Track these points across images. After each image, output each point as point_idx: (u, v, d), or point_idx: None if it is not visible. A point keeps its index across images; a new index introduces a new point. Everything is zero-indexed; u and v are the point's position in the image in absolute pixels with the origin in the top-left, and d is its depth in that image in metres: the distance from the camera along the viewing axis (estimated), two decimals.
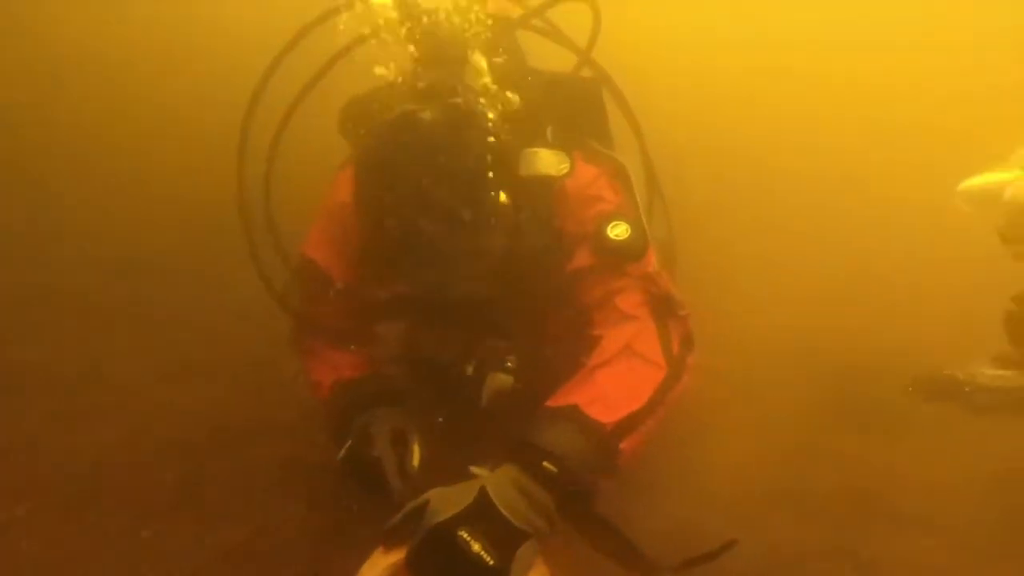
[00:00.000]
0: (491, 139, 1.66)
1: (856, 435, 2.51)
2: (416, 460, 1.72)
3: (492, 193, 1.64)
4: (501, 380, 1.84)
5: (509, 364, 1.85)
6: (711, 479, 2.22)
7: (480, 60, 1.77)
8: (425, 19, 1.76)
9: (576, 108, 1.94)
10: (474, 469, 1.47)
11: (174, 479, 2.03)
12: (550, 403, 1.55)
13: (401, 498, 1.53)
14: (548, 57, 2.02)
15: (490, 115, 1.72)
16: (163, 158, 3.86)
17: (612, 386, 1.54)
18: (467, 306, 1.76)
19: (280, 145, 1.87)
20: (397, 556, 1.35)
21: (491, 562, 1.24)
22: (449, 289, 1.67)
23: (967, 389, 2.26)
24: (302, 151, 1.96)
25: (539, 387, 1.79)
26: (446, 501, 1.34)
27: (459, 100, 1.64)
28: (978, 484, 2.26)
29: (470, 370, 1.85)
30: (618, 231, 1.70)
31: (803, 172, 3.87)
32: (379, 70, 1.80)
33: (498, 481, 1.37)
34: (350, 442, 1.72)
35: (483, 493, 1.34)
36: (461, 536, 1.26)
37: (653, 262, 1.77)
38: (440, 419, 1.95)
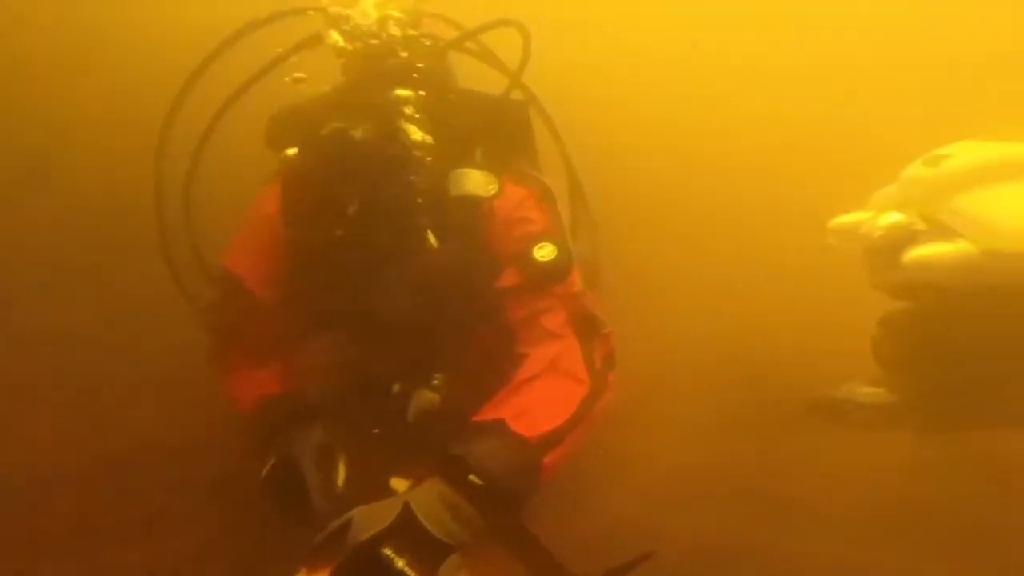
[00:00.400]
0: (420, 158, 1.69)
1: (767, 438, 2.65)
2: (341, 479, 1.71)
3: (420, 212, 1.66)
4: (427, 397, 1.86)
5: (435, 382, 1.87)
6: (635, 482, 2.32)
7: (411, 79, 1.79)
8: (356, 34, 1.77)
9: (505, 130, 1.97)
10: (393, 482, 1.49)
11: (95, 499, 1.96)
12: (476, 418, 1.58)
13: (325, 518, 1.50)
14: (480, 80, 2.05)
15: (420, 134, 1.74)
16: (76, 165, 3.67)
17: (537, 401, 1.58)
18: (393, 324, 1.77)
19: (203, 156, 1.83)
20: (322, 574, 1.34)
21: None
22: (375, 307, 1.67)
23: (848, 407, 2.43)
24: (226, 163, 1.91)
25: (466, 404, 1.82)
26: (370, 518, 1.35)
27: (389, 118, 1.66)
28: (873, 479, 2.42)
29: (396, 388, 1.86)
30: (544, 252, 1.74)
31: (721, 193, 4.05)
32: (302, 78, 1.79)
33: (422, 495, 1.39)
34: (273, 461, 1.69)
35: (407, 508, 1.36)
36: (385, 553, 1.28)
37: (577, 282, 1.82)
38: (375, 431, 1.93)
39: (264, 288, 1.85)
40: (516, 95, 2.00)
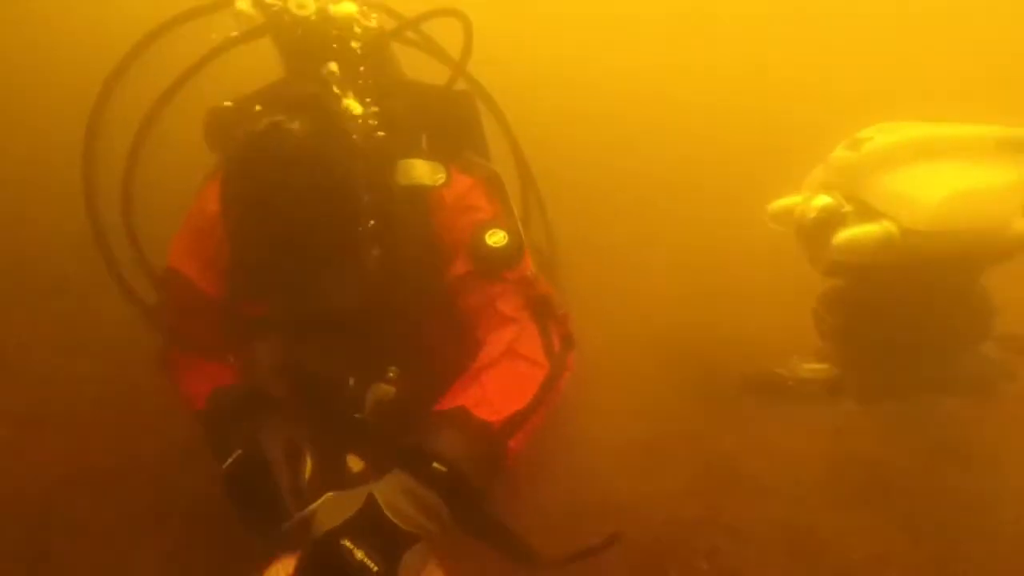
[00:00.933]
0: (362, 150, 1.67)
1: (714, 417, 2.75)
2: (308, 473, 1.65)
3: (363, 204, 1.65)
4: (383, 390, 1.84)
5: (391, 374, 1.87)
6: (591, 462, 2.38)
7: (352, 69, 1.76)
8: (294, 27, 1.74)
9: (450, 119, 1.97)
10: (350, 461, 1.47)
11: (24, 529, 1.89)
12: (437, 407, 1.58)
13: (291, 513, 1.49)
14: (424, 71, 2.04)
15: (361, 124, 1.72)
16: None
17: (497, 387, 1.59)
18: (343, 319, 1.75)
19: (140, 154, 1.77)
20: (292, 566, 1.34)
21: (375, 568, 1.26)
22: (321, 303, 1.65)
23: (790, 383, 2.54)
24: (163, 161, 1.86)
25: (422, 395, 1.83)
26: (334, 510, 1.34)
27: (329, 110, 1.63)
28: (815, 451, 2.57)
29: (351, 382, 1.84)
30: (496, 238, 1.75)
31: (674, 183, 4.15)
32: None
33: (386, 486, 1.39)
34: (239, 452, 1.62)
35: (370, 499, 1.36)
36: (344, 545, 1.28)
37: (530, 267, 1.84)
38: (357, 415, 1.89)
39: (211, 285, 1.81)
40: (461, 85, 2.00)
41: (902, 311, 2.42)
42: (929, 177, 2.20)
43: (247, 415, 1.70)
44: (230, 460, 1.61)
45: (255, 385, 1.85)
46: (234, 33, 1.75)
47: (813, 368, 2.57)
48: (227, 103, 1.80)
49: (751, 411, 2.73)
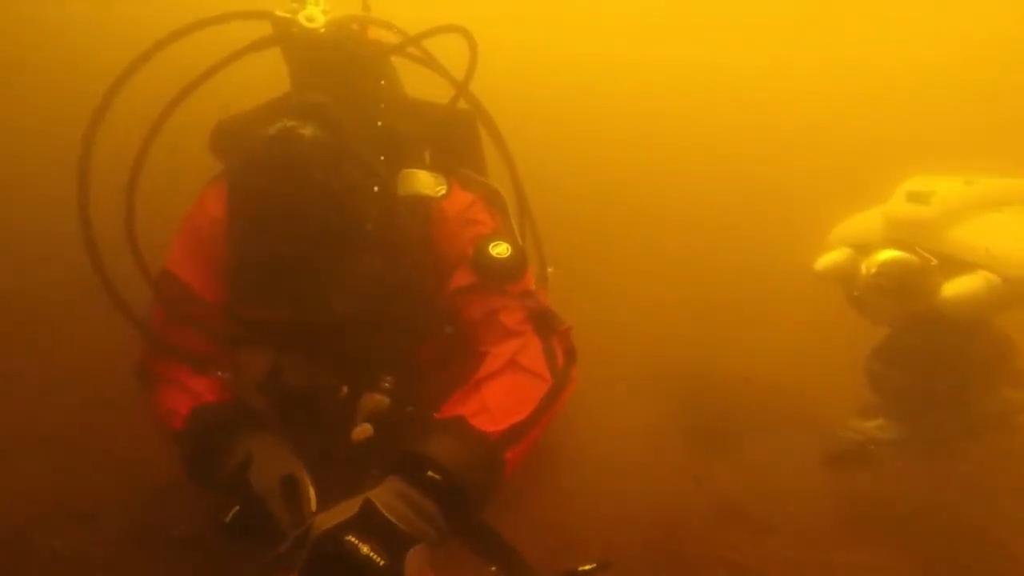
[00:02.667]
0: (368, 159, 1.70)
1: (721, 456, 2.73)
2: (313, 505, 1.57)
3: (370, 212, 1.67)
4: (376, 400, 1.82)
5: (386, 384, 1.85)
6: (593, 501, 2.34)
7: (358, 81, 1.82)
8: (302, 39, 1.80)
9: (451, 137, 2.02)
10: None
11: (4, 563, 1.84)
12: (436, 416, 1.56)
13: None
14: (426, 89, 2.11)
15: (367, 134, 1.76)
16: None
17: (498, 398, 1.58)
18: (341, 325, 1.75)
19: (144, 163, 1.78)
20: None
21: (381, 562, 1.23)
22: (323, 310, 1.65)
23: (871, 447, 2.55)
24: (166, 169, 1.88)
25: (417, 407, 1.81)
26: (331, 515, 1.32)
27: (338, 118, 1.67)
28: (824, 490, 2.53)
29: (344, 390, 1.82)
30: (499, 250, 1.76)
31: (669, 201, 4.22)
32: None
33: (382, 492, 1.37)
34: (236, 508, 1.55)
35: (367, 502, 1.34)
36: (349, 540, 1.25)
37: (532, 280, 1.85)
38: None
39: (207, 290, 1.80)
40: (463, 104, 2.05)
41: (945, 358, 2.47)
42: (1012, 228, 2.30)
43: (230, 439, 1.66)
44: (229, 515, 1.55)
45: (237, 402, 1.81)
46: (242, 46, 1.80)
47: (879, 426, 2.58)
48: (231, 114, 1.84)
49: (757, 450, 2.72)
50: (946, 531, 2.34)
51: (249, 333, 1.83)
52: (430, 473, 1.39)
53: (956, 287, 2.26)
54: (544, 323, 1.76)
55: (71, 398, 2.58)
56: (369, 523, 1.30)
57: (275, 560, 1.33)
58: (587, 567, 1.53)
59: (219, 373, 1.85)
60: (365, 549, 1.24)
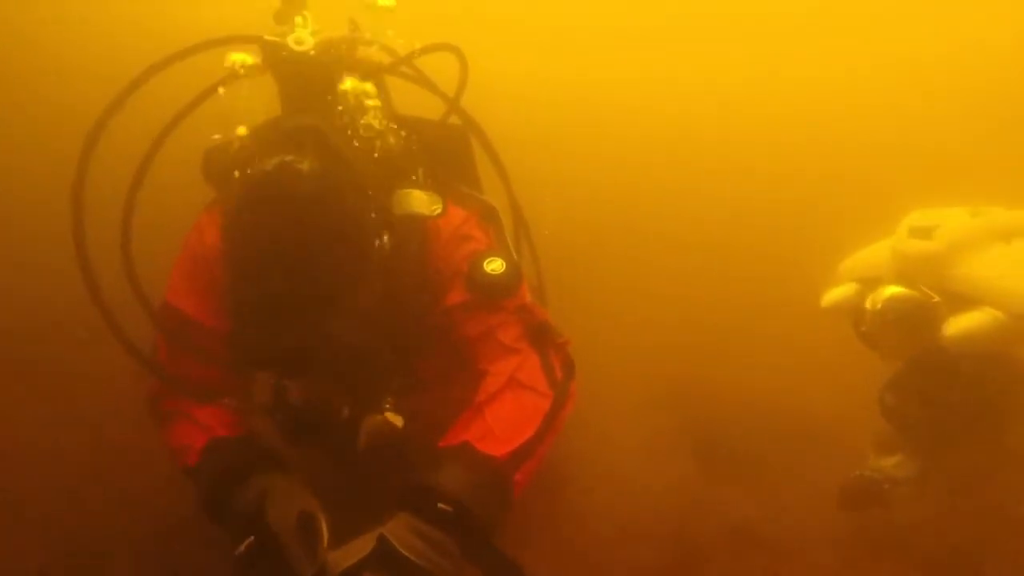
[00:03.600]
0: (366, 185, 1.70)
1: (730, 481, 2.69)
2: (326, 543, 1.53)
3: (369, 240, 1.67)
4: (379, 422, 1.82)
5: (387, 405, 1.84)
6: (603, 528, 2.31)
7: (350, 101, 1.83)
8: (292, 62, 1.81)
9: (444, 153, 2.02)
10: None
11: None
12: (441, 444, 1.55)
13: None
14: (415, 105, 2.12)
15: (362, 157, 1.76)
16: None
17: (501, 420, 1.58)
18: (342, 353, 1.74)
19: (136, 194, 1.78)
20: None
21: None
22: (326, 342, 1.63)
23: (887, 487, 2.43)
24: (158, 199, 1.88)
25: (419, 426, 1.80)
26: (346, 553, 1.33)
27: (333, 145, 1.66)
28: (828, 511, 2.48)
29: (346, 412, 1.81)
30: (493, 266, 1.76)
31: (668, 215, 4.21)
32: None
33: (395, 527, 1.37)
34: (251, 540, 1.54)
35: (382, 539, 1.33)
36: None
37: (527, 295, 1.85)
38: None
39: (210, 317, 1.80)
40: (455, 120, 2.07)
41: (962, 392, 2.41)
42: (1015, 260, 2.25)
43: (246, 476, 1.64)
44: (243, 548, 1.54)
45: (249, 437, 1.81)
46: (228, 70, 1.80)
47: (897, 464, 2.50)
48: (217, 136, 1.85)
49: (764, 471, 2.70)
50: (972, 562, 2.30)
51: (249, 362, 1.82)
52: (441, 505, 1.38)
53: (959, 324, 2.20)
54: (541, 337, 1.77)
55: (79, 439, 2.55)
56: (385, 561, 1.30)
57: None
58: None
59: (227, 400, 1.84)
60: None
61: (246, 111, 1.81)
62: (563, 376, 1.72)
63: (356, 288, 1.65)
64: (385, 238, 1.72)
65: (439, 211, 1.84)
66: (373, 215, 1.70)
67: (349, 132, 1.81)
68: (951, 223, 2.32)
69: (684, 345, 3.46)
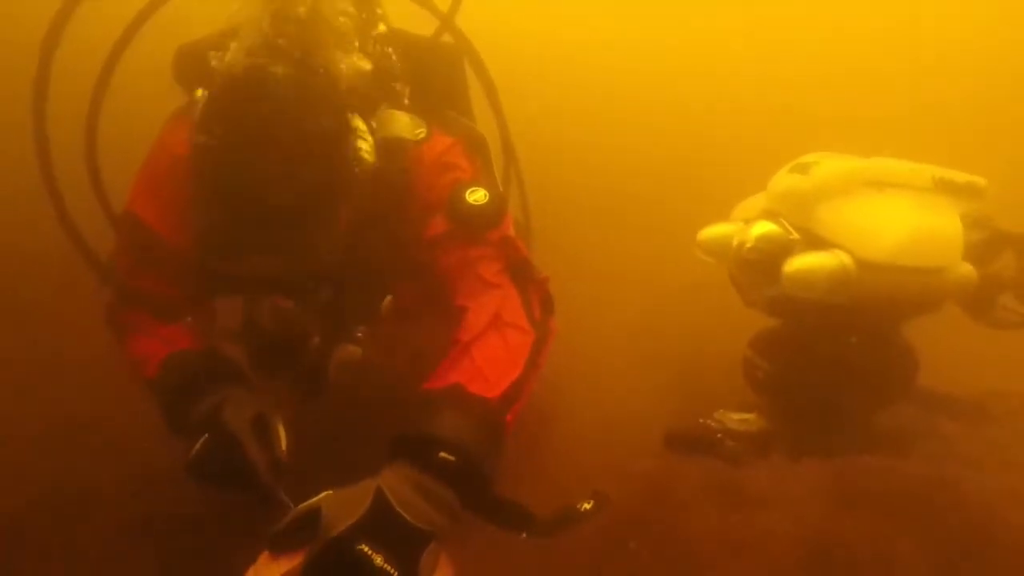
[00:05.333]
0: (347, 98, 1.62)
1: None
2: (284, 447, 1.55)
3: (349, 159, 1.59)
4: (350, 351, 1.77)
5: (359, 335, 1.78)
6: (555, 476, 2.27)
7: (335, 17, 1.73)
8: None
9: (435, 74, 1.93)
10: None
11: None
12: (429, 385, 1.49)
13: (272, 492, 1.42)
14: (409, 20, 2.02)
15: (345, 71, 1.68)
16: None
17: (489, 359, 1.52)
18: (315, 278, 1.69)
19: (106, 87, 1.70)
20: (287, 565, 1.23)
21: (395, 574, 1.17)
22: (299, 262, 1.57)
23: (719, 436, 2.31)
24: (125, 99, 1.80)
25: (391, 359, 1.75)
26: (340, 508, 1.24)
27: (310, 56, 1.59)
28: (806, 461, 2.38)
29: (316, 340, 1.75)
30: (476, 196, 1.69)
31: (664, 171, 4.14)
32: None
33: (393, 480, 1.30)
34: (205, 437, 1.52)
35: (379, 496, 1.26)
36: (362, 550, 1.18)
37: (510, 228, 1.79)
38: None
39: (172, 232, 1.72)
40: (448, 39, 1.97)
41: (833, 361, 2.27)
42: (884, 209, 2.11)
43: (206, 386, 1.61)
44: (197, 446, 1.51)
45: (212, 350, 1.75)
46: None
47: (742, 419, 2.36)
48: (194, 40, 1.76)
49: None
50: (946, 502, 2.29)
51: (217, 285, 1.76)
52: (443, 454, 1.32)
53: (799, 263, 2.04)
54: (522, 273, 1.71)
55: (62, 389, 2.52)
56: (382, 525, 1.23)
57: (275, 539, 1.26)
58: (586, 505, 1.47)
59: (188, 320, 1.79)
60: (379, 560, 1.18)
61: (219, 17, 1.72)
62: (542, 313, 1.67)
63: (331, 207, 1.57)
64: (365, 159, 1.65)
65: (423, 136, 1.76)
66: (352, 133, 1.62)
67: (332, 43, 1.71)
68: (828, 162, 2.17)
69: (673, 308, 3.42)
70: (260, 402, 1.59)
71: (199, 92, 1.71)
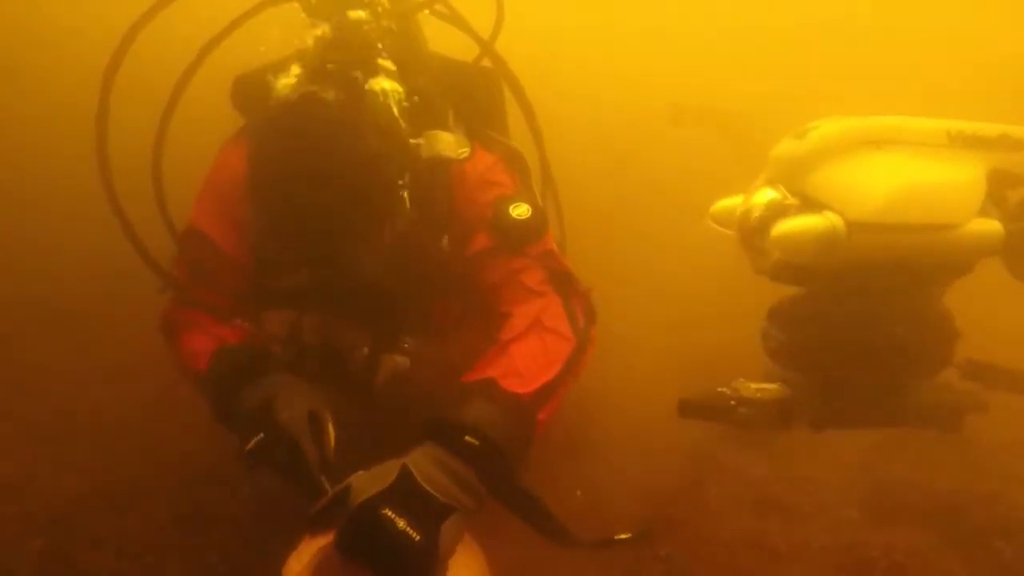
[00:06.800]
0: (394, 120, 1.72)
1: (741, 445, 2.71)
2: (332, 445, 1.62)
3: (393, 177, 1.69)
4: (397, 362, 1.85)
5: (406, 346, 1.87)
6: (617, 486, 2.33)
7: (381, 35, 1.84)
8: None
9: (475, 97, 2.03)
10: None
11: (49, 542, 1.89)
12: (465, 378, 1.58)
13: (321, 488, 1.49)
14: (450, 46, 2.13)
15: (393, 96, 1.78)
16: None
17: (525, 359, 1.60)
18: (363, 290, 1.77)
19: (168, 127, 1.82)
20: (324, 541, 1.35)
21: (417, 537, 1.25)
22: (348, 276, 1.67)
23: (732, 403, 2.25)
24: (188, 121, 1.92)
25: (437, 370, 1.82)
26: (368, 481, 1.34)
27: (360, 79, 1.70)
28: (842, 472, 2.52)
29: (365, 351, 1.84)
30: (519, 211, 1.78)
31: (695, 178, 4.17)
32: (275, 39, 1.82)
33: (419, 458, 1.39)
34: (260, 436, 1.57)
35: (404, 470, 1.35)
36: (385, 514, 1.27)
37: (552, 242, 1.87)
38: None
39: (233, 246, 1.83)
40: (487, 63, 2.07)
41: (856, 330, 2.20)
42: (878, 168, 2.04)
43: (256, 376, 1.67)
44: (252, 443, 1.57)
45: (262, 342, 1.83)
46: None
47: (760, 388, 2.29)
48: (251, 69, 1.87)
49: (783, 438, 2.69)
50: (987, 520, 2.30)
51: (271, 298, 1.86)
52: (467, 438, 1.40)
53: (786, 226, 1.98)
54: (565, 283, 1.79)
55: (110, 391, 2.67)
56: (406, 494, 1.31)
57: (315, 516, 1.36)
58: (623, 535, 1.56)
59: (239, 321, 1.88)
60: (401, 524, 1.26)
61: (273, 43, 1.84)
62: (585, 322, 1.74)
63: (380, 224, 1.69)
64: (410, 178, 1.75)
65: (466, 154, 1.86)
66: (399, 153, 1.72)
67: (380, 65, 1.82)
68: (826, 125, 2.10)
69: (702, 308, 3.48)
70: (312, 398, 1.65)
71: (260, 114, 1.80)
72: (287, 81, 1.72)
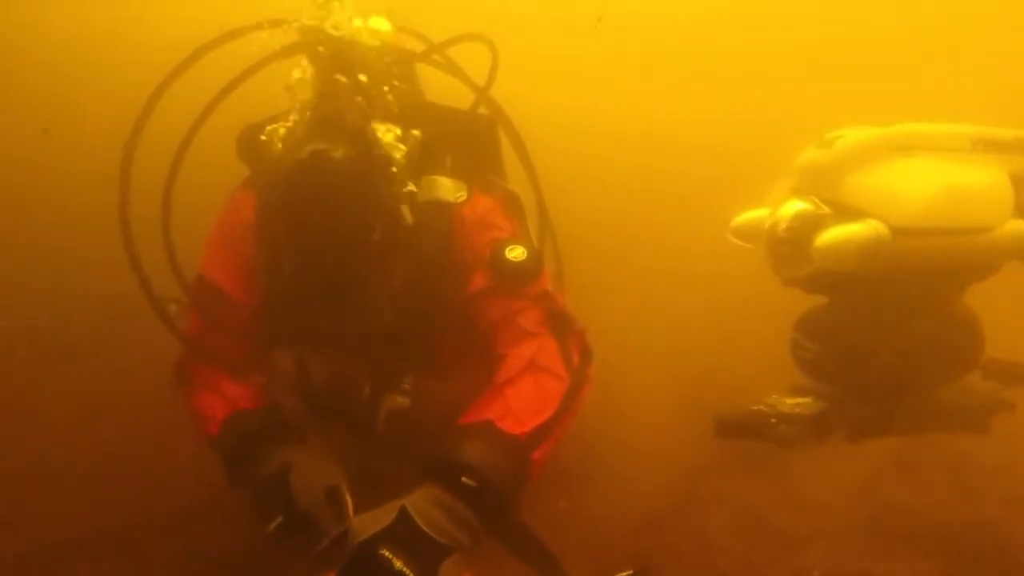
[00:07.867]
0: (396, 172, 1.79)
1: (740, 469, 2.71)
2: (351, 513, 1.59)
3: (399, 226, 1.77)
4: (397, 402, 1.91)
5: (406, 386, 1.93)
6: (617, 512, 2.36)
7: (383, 89, 1.92)
8: (327, 44, 1.90)
9: (472, 142, 2.11)
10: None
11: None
12: (462, 420, 1.64)
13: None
14: (445, 93, 2.21)
15: (391, 144, 1.85)
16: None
17: (521, 400, 1.67)
18: (366, 332, 1.83)
19: (179, 171, 1.89)
20: None
21: None
22: (354, 322, 1.73)
23: (772, 421, 2.26)
24: (197, 170, 2.00)
25: (436, 409, 1.88)
26: (368, 522, 1.41)
27: (365, 133, 1.76)
28: (843, 497, 2.50)
29: (366, 391, 1.90)
30: (515, 253, 1.85)
31: (691, 204, 4.23)
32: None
33: (417, 500, 1.45)
34: (280, 519, 1.59)
35: (403, 511, 1.42)
36: (383, 554, 1.33)
37: (548, 283, 1.94)
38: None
39: (242, 292, 1.90)
40: (483, 110, 2.15)
41: (886, 336, 2.22)
42: (915, 173, 2.07)
43: (266, 449, 1.72)
44: (273, 526, 1.60)
45: (271, 410, 1.88)
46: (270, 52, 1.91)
47: (797, 403, 2.30)
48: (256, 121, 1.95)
49: (778, 463, 2.72)
50: (988, 546, 2.31)
51: (277, 337, 1.91)
52: (465, 479, 1.46)
53: (832, 235, 1.99)
54: (560, 324, 1.85)
55: (104, 428, 2.71)
56: (404, 535, 1.38)
57: (315, 558, 1.43)
58: (624, 574, 1.59)
59: (255, 378, 1.93)
60: (398, 564, 1.32)
61: (277, 94, 1.92)
62: (580, 361, 1.80)
63: (384, 270, 1.76)
64: (411, 223, 1.82)
65: (464, 198, 1.93)
66: (400, 201, 1.80)
67: (381, 118, 1.90)
68: (852, 133, 2.13)
69: (702, 333, 3.52)
70: (327, 471, 1.68)
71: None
72: (291, 134, 1.79)
